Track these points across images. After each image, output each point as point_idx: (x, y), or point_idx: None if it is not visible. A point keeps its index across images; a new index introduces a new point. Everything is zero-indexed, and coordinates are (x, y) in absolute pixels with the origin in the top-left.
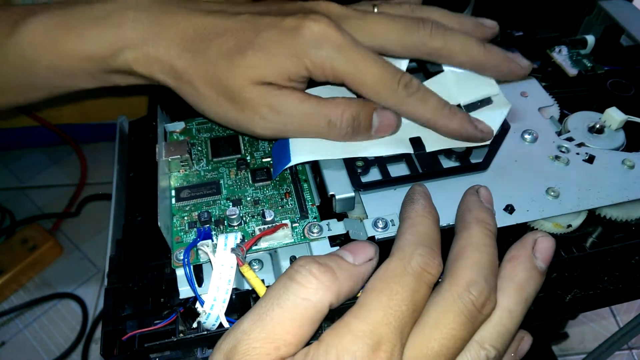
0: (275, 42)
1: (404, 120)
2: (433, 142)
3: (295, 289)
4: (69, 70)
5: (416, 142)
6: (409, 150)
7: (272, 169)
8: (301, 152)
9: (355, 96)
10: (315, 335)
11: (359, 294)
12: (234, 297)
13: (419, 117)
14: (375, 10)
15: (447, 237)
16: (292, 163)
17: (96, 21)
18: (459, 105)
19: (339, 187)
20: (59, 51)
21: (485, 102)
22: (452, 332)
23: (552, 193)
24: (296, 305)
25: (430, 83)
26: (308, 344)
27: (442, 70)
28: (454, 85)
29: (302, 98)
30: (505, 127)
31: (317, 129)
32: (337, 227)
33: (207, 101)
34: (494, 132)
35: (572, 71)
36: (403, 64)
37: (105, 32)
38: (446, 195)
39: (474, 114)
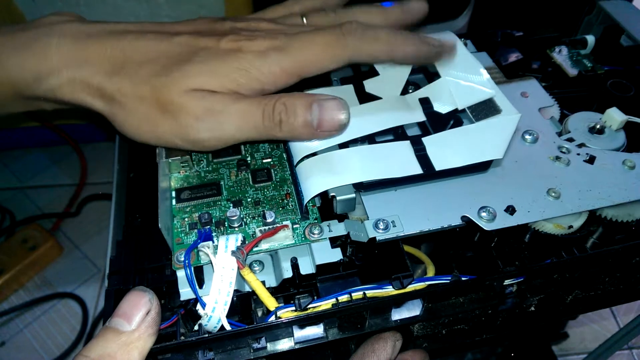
0: (216, 59)
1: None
2: (444, 161)
3: None
4: None
5: (416, 141)
6: (419, 170)
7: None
8: (313, 186)
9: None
10: None
11: None
12: (235, 299)
13: (378, 54)
14: (305, 21)
15: (447, 237)
16: (307, 199)
17: (18, 49)
18: (459, 110)
19: (340, 188)
20: None
21: (495, 111)
22: None
23: (553, 194)
24: None
25: (428, 89)
26: None
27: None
28: (452, 91)
29: (237, 97)
30: None
31: (254, 124)
32: (338, 228)
33: (139, 119)
34: (505, 127)
35: (572, 71)
36: (405, 71)
37: (28, 60)
38: (446, 196)
39: (483, 124)
